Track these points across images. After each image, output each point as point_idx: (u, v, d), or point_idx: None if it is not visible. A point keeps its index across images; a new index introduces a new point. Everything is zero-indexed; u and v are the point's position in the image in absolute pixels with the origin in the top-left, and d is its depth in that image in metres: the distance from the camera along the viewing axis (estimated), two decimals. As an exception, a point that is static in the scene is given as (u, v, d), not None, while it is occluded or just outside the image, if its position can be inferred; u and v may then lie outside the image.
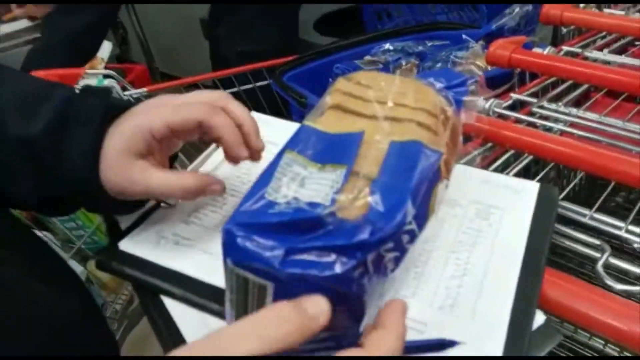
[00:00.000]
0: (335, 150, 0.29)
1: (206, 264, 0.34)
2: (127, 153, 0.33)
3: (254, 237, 0.24)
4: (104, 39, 1.02)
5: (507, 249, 0.33)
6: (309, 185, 0.27)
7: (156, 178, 0.33)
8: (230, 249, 0.24)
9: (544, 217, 0.36)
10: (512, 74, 0.65)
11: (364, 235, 0.23)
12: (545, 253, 0.33)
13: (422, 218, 0.28)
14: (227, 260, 0.25)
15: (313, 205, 0.25)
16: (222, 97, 0.35)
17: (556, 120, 0.55)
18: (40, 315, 0.29)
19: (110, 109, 0.34)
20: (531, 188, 0.38)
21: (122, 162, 0.33)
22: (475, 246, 0.34)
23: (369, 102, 0.33)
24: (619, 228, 0.40)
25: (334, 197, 0.25)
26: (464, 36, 0.79)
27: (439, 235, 0.35)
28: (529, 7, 0.81)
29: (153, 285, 0.34)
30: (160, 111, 0.33)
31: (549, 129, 0.54)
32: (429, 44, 0.90)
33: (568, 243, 0.40)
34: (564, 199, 0.44)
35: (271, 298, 0.24)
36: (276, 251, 0.23)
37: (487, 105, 0.56)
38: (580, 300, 0.31)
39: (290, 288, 0.23)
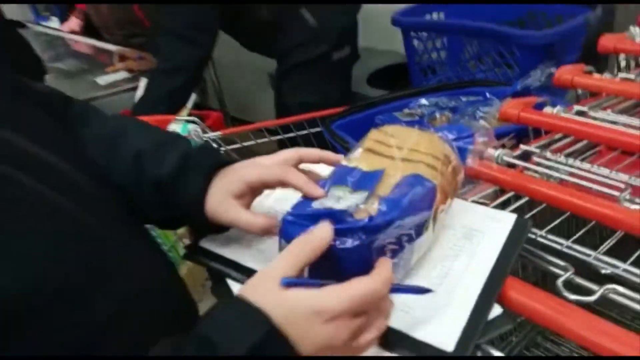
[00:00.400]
0: (363, 181, 0.42)
1: (258, 257, 0.48)
2: (226, 194, 0.46)
3: (298, 221, 0.38)
4: (192, 93, 1.26)
5: (481, 261, 0.44)
6: (342, 202, 0.40)
7: (240, 214, 0.46)
8: (284, 232, 0.39)
9: (515, 240, 0.46)
10: (527, 128, 0.76)
11: (364, 223, 0.37)
12: (510, 266, 0.44)
13: (419, 227, 0.40)
14: (281, 242, 0.38)
15: (341, 210, 0.39)
16: (294, 156, 0.49)
17: (557, 170, 0.65)
18: (158, 278, 0.44)
19: (217, 163, 0.49)
20: (509, 218, 0.49)
21: (221, 199, 0.46)
22: (458, 258, 0.45)
23: (391, 147, 0.46)
24: (589, 255, 0.50)
25: (355, 208, 0.39)
26: (487, 94, 0.91)
27: (433, 249, 0.47)
28: (552, 69, 0.91)
29: (221, 271, 0.48)
30: (255, 169, 0.47)
31: (549, 177, 0.63)
32: (464, 99, 1.02)
33: (543, 265, 0.50)
34: (553, 232, 0.54)
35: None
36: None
37: (496, 154, 0.67)
38: (531, 300, 0.41)
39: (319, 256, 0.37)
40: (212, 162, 0.49)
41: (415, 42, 1.32)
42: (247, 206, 0.48)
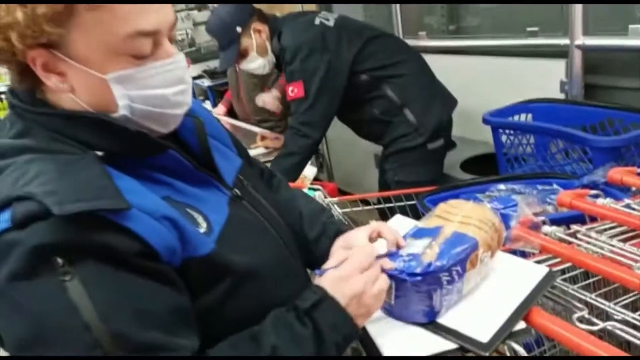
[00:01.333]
0: (429, 233, 0.68)
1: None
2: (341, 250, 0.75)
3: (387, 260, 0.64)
4: (313, 167, 1.63)
5: (514, 295, 0.66)
6: (415, 247, 0.66)
7: None
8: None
9: (543, 285, 0.67)
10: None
11: (424, 268, 0.61)
12: (536, 299, 0.65)
13: (461, 270, 0.64)
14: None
15: (414, 254, 0.64)
16: (379, 226, 0.74)
17: (600, 247, 0.83)
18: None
19: (336, 233, 0.78)
20: (541, 269, 0.70)
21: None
22: (501, 289, 0.67)
23: (451, 214, 0.72)
24: (604, 304, 0.68)
25: (423, 252, 0.64)
26: (554, 185, 1.11)
27: (481, 286, 0.69)
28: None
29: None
30: (354, 242, 0.72)
31: (593, 251, 0.82)
32: (540, 187, 1.22)
33: (568, 306, 0.69)
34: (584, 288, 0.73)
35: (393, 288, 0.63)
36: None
37: (550, 231, 0.88)
38: (546, 321, 0.62)
39: (397, 283, 0.62)
40: (334, 232, 0.78)
41: (504, 138, 1.55)
42: None
